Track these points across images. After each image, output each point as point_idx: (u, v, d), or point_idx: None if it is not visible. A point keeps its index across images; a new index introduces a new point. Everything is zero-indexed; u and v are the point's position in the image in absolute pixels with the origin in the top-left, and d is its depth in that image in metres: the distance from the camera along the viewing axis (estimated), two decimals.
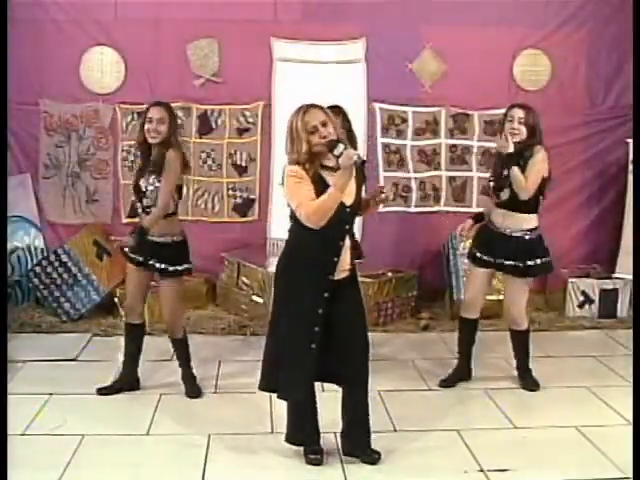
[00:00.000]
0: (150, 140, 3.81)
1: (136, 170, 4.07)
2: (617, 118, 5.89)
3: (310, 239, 3.15)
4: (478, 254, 4.15)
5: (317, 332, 3.14)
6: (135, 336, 4.08)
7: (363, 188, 3.34)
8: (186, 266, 3.96)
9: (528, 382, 4.23)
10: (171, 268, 3.89)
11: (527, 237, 4.03)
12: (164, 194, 3.80)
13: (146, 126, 3.79)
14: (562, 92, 5.86)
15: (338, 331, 3.17)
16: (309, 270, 3.15)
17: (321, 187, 3.06)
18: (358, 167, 3.12)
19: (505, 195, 4.02)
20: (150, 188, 3.84)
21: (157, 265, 3.88)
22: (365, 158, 3.11)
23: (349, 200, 3.13)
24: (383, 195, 3.24)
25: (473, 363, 4.32)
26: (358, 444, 3.33)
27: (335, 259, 3.15)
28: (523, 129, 3.96)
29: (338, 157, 3.02)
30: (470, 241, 4.35)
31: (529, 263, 4.02)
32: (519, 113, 3.96)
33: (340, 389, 3.31)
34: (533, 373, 4.26)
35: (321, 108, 3.13)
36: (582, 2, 5.78)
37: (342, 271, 3.20)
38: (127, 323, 4.10)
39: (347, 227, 3.20)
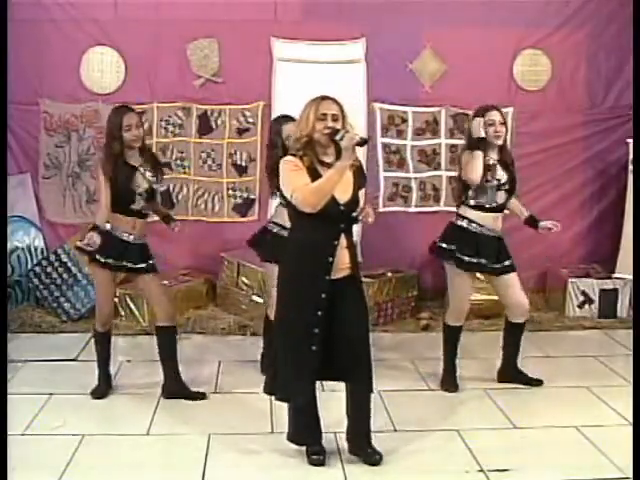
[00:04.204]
0: (136, 144, 3.83)
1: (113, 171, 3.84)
2: (617, 118, 5.88)
3: (305, 239, 3.14)
4: (473, 259, 3.97)
5: (317, 334, 3.12)
6: (106, 341, 4.09)
7: (362, 192, 3.32)
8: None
9: (527, 379, 4.23)
10: (152, 261, 3.98)
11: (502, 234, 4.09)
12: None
13: (127, 133, 3.77)
14: (562, 92, 5.86)
15: (339, 330, 3.15)
16: (306, 270, 3.13)
17: (316, 179, 3.05)
18: (358, 169, 3.15)
19: (501, 199, 4.02)
20: (145, 188, 3.87)
21: (141, 265, 3.90)
22: (367, 137, 3.13)
23: (344, 198, 3.11)
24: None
25: (473, 362, 4.37)
26: (359, 443, 3.32)
27: (330, 259, 3.11)
28: (504, 130, 3.95)
29: (340, 141, 3.01)
30: (445, 244, 4.10)
31: (510, 258, 4.06)
32: (498, 116, 3.93)
33: (341, 389, 3.30)
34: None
35: (338, 104, 3.14)
36: (582, 2, 5.77)
37: (340, 270, 3.16)
38: (100, 332, 4.05)
39: (342, 226, 3.14)
